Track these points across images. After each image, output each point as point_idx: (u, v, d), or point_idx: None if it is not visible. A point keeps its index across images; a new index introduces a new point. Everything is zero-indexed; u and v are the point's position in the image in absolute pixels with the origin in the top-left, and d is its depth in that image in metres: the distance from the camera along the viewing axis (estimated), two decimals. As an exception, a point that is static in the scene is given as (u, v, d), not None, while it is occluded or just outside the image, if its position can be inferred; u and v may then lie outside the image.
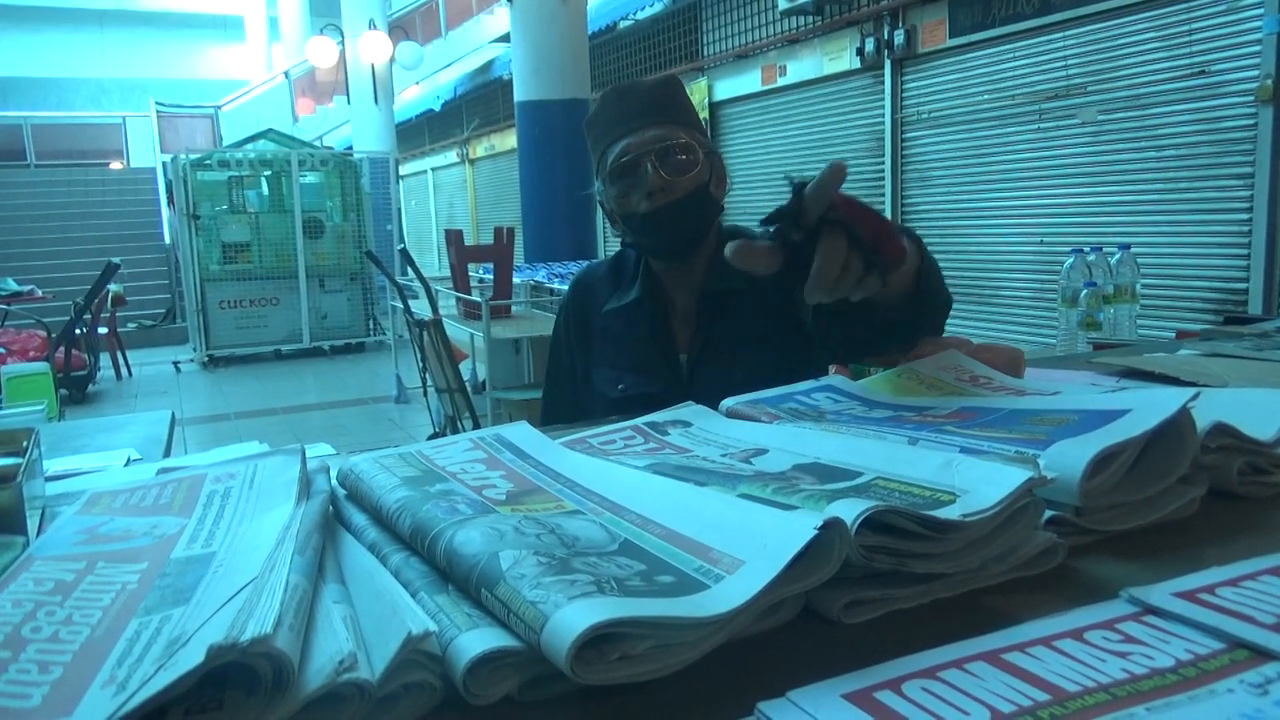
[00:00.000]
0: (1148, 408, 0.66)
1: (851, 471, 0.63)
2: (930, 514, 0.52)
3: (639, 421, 0.86)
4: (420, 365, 4.61)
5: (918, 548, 0.52)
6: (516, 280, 5.07)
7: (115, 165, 16.71)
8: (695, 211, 1.40)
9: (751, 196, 8.22)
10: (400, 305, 4.91)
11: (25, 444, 0.80)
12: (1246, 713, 0.39)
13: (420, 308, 4.61)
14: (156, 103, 15.05)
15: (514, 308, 4.81)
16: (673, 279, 1.50)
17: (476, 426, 3.83)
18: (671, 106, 1.42)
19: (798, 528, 0.48)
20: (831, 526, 0.48)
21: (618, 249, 1.64)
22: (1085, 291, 2.48)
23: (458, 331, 4.65)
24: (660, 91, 1.42)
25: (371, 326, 9.88)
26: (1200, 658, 0.44)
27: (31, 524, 0.71)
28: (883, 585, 0.52)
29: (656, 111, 1.40)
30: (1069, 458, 0.61)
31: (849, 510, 0.50)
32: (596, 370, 1.55)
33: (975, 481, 0.56)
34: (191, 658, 0.39)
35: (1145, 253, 4.43)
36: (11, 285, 9.09)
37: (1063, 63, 5.23)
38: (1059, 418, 0.71)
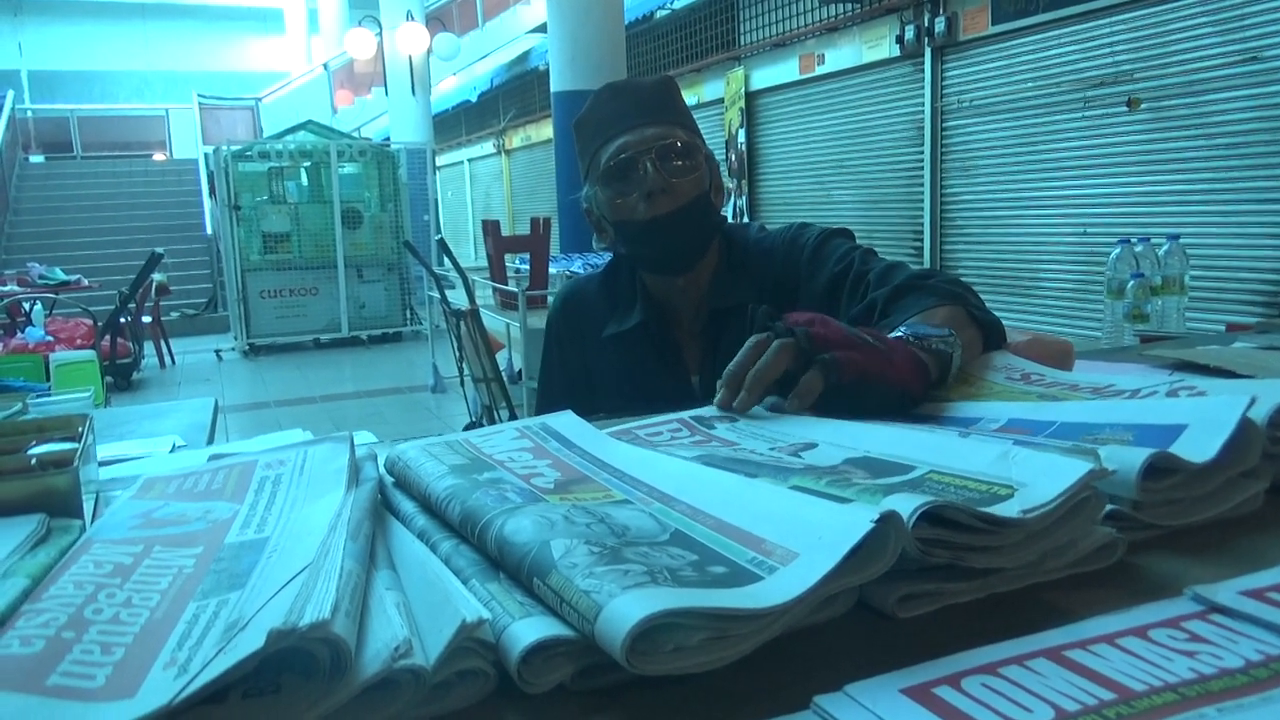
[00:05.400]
0: (1205, 423, 0.63)
1: (904, 465, 0.61)
2: (988, 510, 0.51)
3: (685, 415, 0.84)
4: (457, 355, 4.64)
5: (976, 541, 0.51)
6: (552, 270, 5.08)
7: (159, 157, 17.04)
8: (696, 221, 1.31)
9: (789, 189, 8.17)
10: (437, 295, 4.95)
11: (81, 429, 0.81)
12: (1323, 715, 0.38)
13: (457, 298, 4.64)
14: (199, 95, 15.29)
15: (550, 298, 4.82)
16: (673, 294, 1.39)
17: (513, 416, 3.85)
18: (671, 106, 1.34)
19: (853, 520, 0.48)
20: (888, 519, 0.48)
21: (608, 260, 1.51)
22: (1132, 283, 2.43)
23: (494, 321, 4.68)
24: (659, 91, 1.35)
25: (409, 316, 9.96)
26: (1271, 658, 0.43)
27: (86, 508, 0.72)
28: (939, 579, 0.51)
29: (655, 110, 1.31)
30: (1125, 457, 0.59)
31: (905, 504, 0.49)
32: (600, 399, 1.43)
33: (1033, 474, 0.55)
34: (251, 641, 0.39)
35: (1194, 243, 4.33)
36: (59, 275, 9.29)
37: (1109, 49, 5.12)
38: (1114, 437, 0.68)
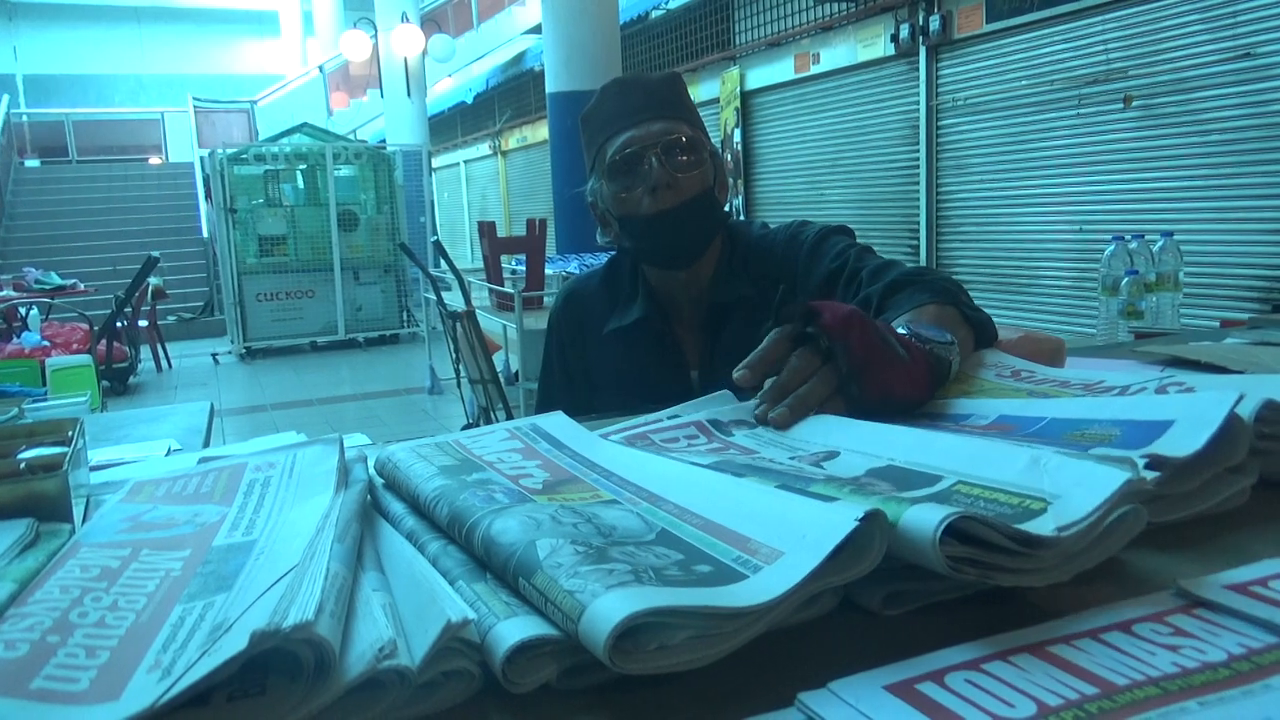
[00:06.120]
0: (1192, 419, 0.62)
1: (930, 476, 0.59)
2: (1021, 529, 0.48)
3: (702, 418, 0.82)
4: (453, 357, 4.64)
5: (1009, 562, 0.48)
6: (549, 271, 5.08)
7: (154, 160, 17.01)
8: (700, 216, 1.32)
9: (785, 187, 8.17)
10: (434, 297, 4.95)
11: (71, 434, 0.81)
12: (1304, 709, 0.38)
13: (453, 299, 4.64)
14: (194, 98, 15.28)
15: (546, 299, 4.82)
16: (674, 289, 1.40)
17: (510, 417, 3.85)
18: (676, 102, 1.35)
19: (838, 519, 0.48)
20: (872, 518, 0.48)
21: (608, 257, 1.52)
22: (1127, 279, 2.44)
23: (491, 323, 4.68)
24: (665, 86, 1.35)
25: (405, 318, 9.96)
26: (1254, 652, 0.43)
27: (77, 512, 0.72)
28: (924, 577, 0.51)
29: (661, 106, 1.32)
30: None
31: (931, 515, 0.47)
32: (599, 394, 1.45)
33: (1067, 485, 0.52)
34: (235, 643, 0.39)
35: (1188, 240, 4.33)
36: (55, 279, 9.29)
37: (1102, 47, 5.13)
38: (1101, 433, 0.67)
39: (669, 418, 0.83)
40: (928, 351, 0.86)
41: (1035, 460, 0.57)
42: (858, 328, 0.81)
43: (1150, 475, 0.55)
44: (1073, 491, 0.52)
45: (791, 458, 0.70)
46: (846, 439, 0.71)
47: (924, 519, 0.48)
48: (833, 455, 0.69)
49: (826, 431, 0.75)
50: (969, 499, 0.54)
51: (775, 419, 0.78)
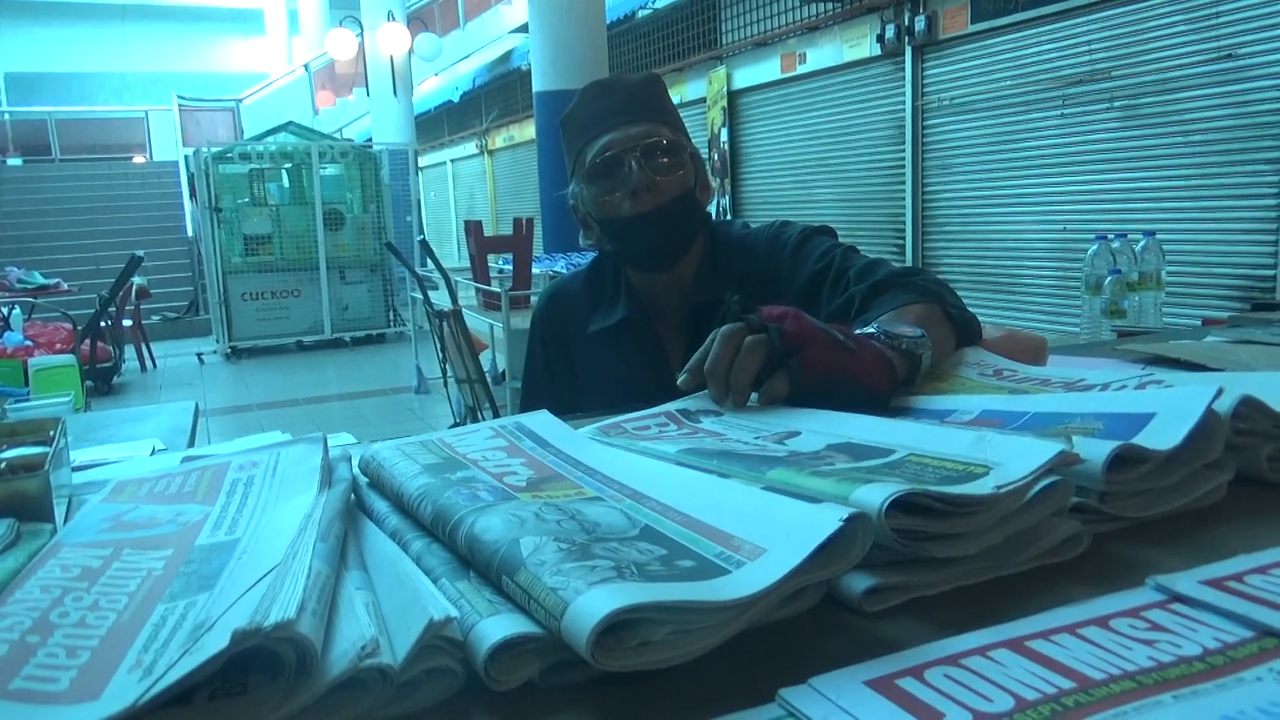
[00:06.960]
0: (1172, 412, 0.64)
1: (884, 449, 0.64)
2: (960, 490, 0.52)
3: (671, 408, 0.86)
4: (440, 356, 4.63)
5: (945, 529, 0.52)
6: (536, 271, 5.07)
7: (138, 159, 16.86)
8: (680, 218, 1.32)
9: (771, 187, 8.19)
10: (420, 296, 4.93)
11: (52, 434, 0.81)
12: (1277, 701, 0.38)
13: (440, 299, 4.63)
14: (178, 96, 15.18)
15: (533, 298, 4.81)
16: (657, 290, 1.40)
17: (496, 417, 3.84)
18: (656, 105, 1.35)
19: (822, 519, 0.48)
20: (855, 520, 0.48)
21: (591, 259, 1.52)
22: (1109, 279, 2.45)
23: (477, 322, 4.67)
24: (644, 89, 1.35)
25: (392, 318, 9.92)
26: (1229, 646, 0.43)
27: (58, 512, 0.72)
28: (905, 572, 0.52)
29: (640, 109, 1.32)
30: (1092, 449, 0.60)
31: (877, 494, 0.50)
32: (583, 394, 1.45)
33: (1008, 455, 0.57)
34: (216, 642, 0.39)
35: (1171, 239, 4.37)
36: (38, 279, 9.21)
37: (1087, 47, 5.16)
38: (1083, 426, 0.69)
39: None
40: (884, 341, 0.89)
41: (980, 438, 0.62)
42: (792, 316, 0.87)
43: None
44: (1012, 461, 0.56)
45: (756, 438, 0.74)
46: (808, 422, 0.76)
47: (871, 497, 0.51)
48: (794, 434, 0.73)
49: (790, 416, 0.80)
50: (919, 466, 0.59)
51: (726, 405, 0.85)
